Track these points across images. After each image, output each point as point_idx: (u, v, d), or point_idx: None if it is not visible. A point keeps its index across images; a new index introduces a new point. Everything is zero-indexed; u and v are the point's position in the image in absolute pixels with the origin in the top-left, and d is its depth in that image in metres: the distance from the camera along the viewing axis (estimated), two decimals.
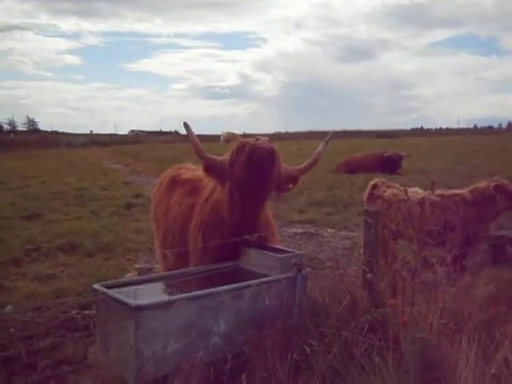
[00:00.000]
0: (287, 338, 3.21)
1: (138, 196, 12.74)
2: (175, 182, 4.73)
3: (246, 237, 3.66)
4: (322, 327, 3.22)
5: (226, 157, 3.70)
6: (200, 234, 3.97)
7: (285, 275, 3.49)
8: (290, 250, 3.86)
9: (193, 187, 4.44)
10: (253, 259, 3.76)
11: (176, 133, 66.90)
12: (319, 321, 3.29)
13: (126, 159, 28.00)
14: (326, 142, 4.08)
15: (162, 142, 49.53)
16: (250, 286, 3.36)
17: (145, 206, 11.24)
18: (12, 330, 4.82)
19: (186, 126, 3.83)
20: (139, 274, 6.33)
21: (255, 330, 3.27)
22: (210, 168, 3.74)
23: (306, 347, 3.07)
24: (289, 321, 3.34)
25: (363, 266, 3.57)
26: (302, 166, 3.90)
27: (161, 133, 72.89)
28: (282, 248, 3.87)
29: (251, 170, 3.45)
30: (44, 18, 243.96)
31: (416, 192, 5.68)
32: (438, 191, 5.84)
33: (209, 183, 4.17)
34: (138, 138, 60.31)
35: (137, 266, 6.78)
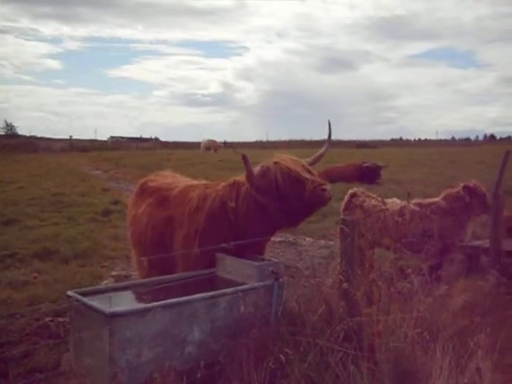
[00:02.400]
0: (263, 347, 3.20)
1: (116, 202, 12.60)
2: (144, 189, 4.73)
3: (224, 245, 3.65)
4: (298, 336, 3.22)
5: (265, 173, 3.78)
6: (196, 242, 3.95)
7: (262, 283, 3.49)
8: (267, 258, 3.86)
9: (161, 198, 4.43)
10: (229, 267, 3.75)
11: (156, 139, 66.71)
12: (295, 329, 3.29)
13: (106, 165, 27.76)
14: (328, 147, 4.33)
15: (142, 149, 49.24)
16: (225, 294, 3.35)
17: (123, 212, 11.08)
18: None
19: (245, 158, 3.76)
20: (116, 281, 6.26)
21: (231, 339, 3.26)
22: (257, 187, 3.78)
23: (281, 356, 3.06)
24: (265, 329, 3.33)
25: (340, 276, 3.57)
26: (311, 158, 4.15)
27: (141, 139, 72.42)
28: (258, 256, 3.86)
29: (309, 207, 3.77)
30: (24, 22, 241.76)
31: (394, 202, 5.73)
32: (415, 200, 5.90)
33: (189, 193, 4.18)
34: (118, 144, 59.85)
35: (113, 273, 6.70)
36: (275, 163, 3.76)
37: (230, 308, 3.32)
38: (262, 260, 3.72)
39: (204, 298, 3.24)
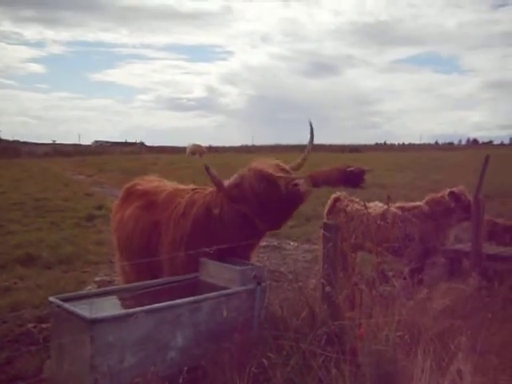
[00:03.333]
0: (246, 351, 3.21)
1: (100, 207, 12.52)
2: (130, 193, 4.69)
3: (205, 249, 3.65)
4: (281, 340, 3.23)
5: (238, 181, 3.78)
6: (183, 248, 3.94)
7: (244, 288, 3.50)
8: (249, 262, 3.87)
9: (148, 201, 4.41)
10: (212, 271, 3.75)
11: (141, 144, 66.45)
12: (278, 333, 3.30)
13: (89, 170, 27.57)
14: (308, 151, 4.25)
15: (127, 153, 48.99)
16: (208, 299, 3.35)
17: (107, 217, 11.02)
18: None
19: (208, 169, 3.80)
20: (99, 286, 6.21)
21: (213, 343, 3.26)
22: (231, 196, 3.81)
23: (264, 360, 3.07)
24: (248, 333, 3.34)
25: (322, 279, 3.60)
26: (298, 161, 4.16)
27: (126, 144, 72.09)
28: (241, 261, 3.87)
29: (286, 206, 3.71)
30: (6, 25, 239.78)
31: (376, 206, 5.77)
32: (398, 204, 5.95)
33: (175, 198, 4.18)
34: (102, 148, 59.51)
35: (97, 278, 6.66)
36: (249, 170, 3.78)
37: (212, 312, 3.33)
38: (245, 264, 3.73)
39: (187, 303, 3.24)
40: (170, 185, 4.72)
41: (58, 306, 3.12)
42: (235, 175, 3.83)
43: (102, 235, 9.25)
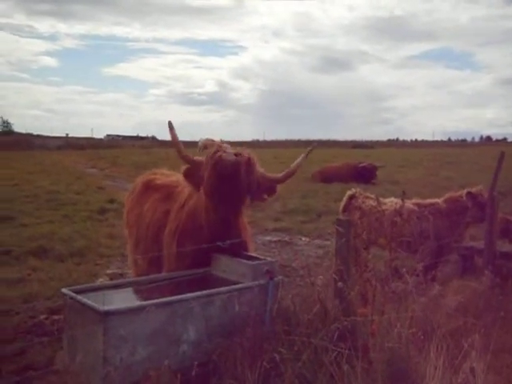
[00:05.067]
0: (257, 346, 3.20)
1: (112, 201, 12.59)
2: (149, 187, 4.69)
3: (218, 243, 3.65)
4: (293, 335, 3.22)
5: (202, 160, 3.71)
6: (175, 240, 3.94)
7: (256, 282, 3.49)
8: (261, 257, 3.86)
9: (167, 193, 4.41)
10: (224, 266, 3.74)
11: (153, 138, 66.61)
12: (290, 329, 3.29)
13: (102, 163, 27.72)
14: (307, 155, 4.07)
15: (139, 147, 49.15)
16: (220, 293, 3.35)
17: (119, 211, 11.09)
18: None
19: (170, 125, 3.84)
20: (111, 279, 6.25)
21: (225, 338, 3.25)
22: (190, 171, 3.76)
23: (275, 355, 3.07)
24: (259, 328, 3.33)
25: (334, 275, 3.58)
26: (280, 175, 3.91)
27: (138, 138, 72.36)
28: (253, 255, 3.87)
29: (215, 180, 3.51)
30: (20, 19, 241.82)
31: (392, 201, 5.74)
32: (414, 200, 5.91)
33: (184, 189, 4.15)
34: (115, 142, 59.77)
35: (109, 271, 6.70)
36: None
37: (224, 307, 3.32)
38: (257, 259, 3.72)
39: (199, 297, 3.23)
40: None
41: (71, 298, 3.13)
42: None
43: (114, 229, 9.31)
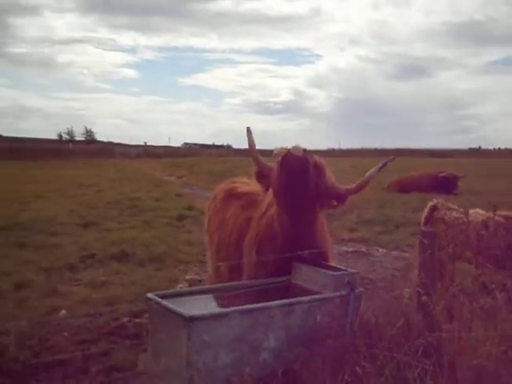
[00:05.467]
0: (338, 358, 3.16)
1: (190, 208, 12.87)
2: (231, 195, 4.75)
3: (299, 252, 3.64)
4: (375, 348, 3.15)
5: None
6: (255, 248, 3.97)
7: (337, 293, 3.45)
8: (342, 267, 3.81)
9: (249, 201, 4.45)
10: (305, 275, 3.72)
11: (228, 147, 67.69)
12: (371, 342, 3.22)
13: (179, 171, 28.45)
14: (380, 168, 3.99)
15: (215, 156, 50.12)
16: (301, 303, 3.33)
17: (196, 218, 11.36)
18: (65, 333, 4.91)
19: (248, 130, 3.91)
20: (190, 285, 6.38)
21: (305, 348, 3.23)
22: (261, 172, 3.83)
23: (357, 368, 3.01)
24: (340, 340, 3.28)
25: (418, 288, 3.48)
26: (353, 186, 3.85)
27: (213, 146, 73.83)
28: (334, 266, 3.82)
29: (283, 175, 3.52)
30: (103, 32, 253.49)
31: (477, 213, 5.50)
32: (501, 212, 5.63)
33: (266, 198, 4.19)
34: (191, 150, 61.25)
35: (187, 277, 6.83)
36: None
37: (305, 317, 3.30)
38: (338, 269, 3.68)
39: (280, 306, 3.23)
40: None
41: (156, 303, 3.21)
42: None
43: (192, 235, 9.51)
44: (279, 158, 3.56)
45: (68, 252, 8.13)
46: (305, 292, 3.58)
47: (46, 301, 5.79)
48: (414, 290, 3.58)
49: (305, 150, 3.52)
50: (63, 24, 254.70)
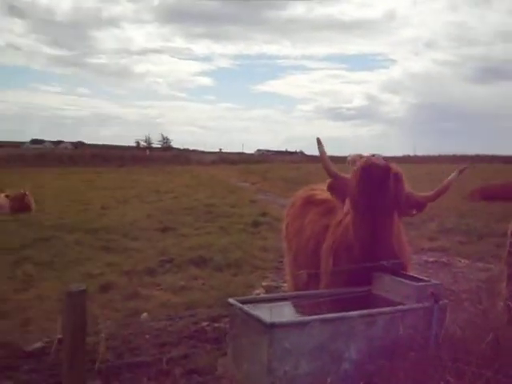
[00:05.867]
0: (422, 371, 3.06)
1: (264, 214, 12.94)
2: (309, 202, 4.75)
3: (383, 262, 3.57)
4: (461, 363, 3.03)
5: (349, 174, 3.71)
6: (331, 256, 3.95)
7: (421, 305, 3.35)
8: (426, 278, 3.70)
9: (328, 208, 4.43)
10: (386, 286, 3.64)
11: (301, 153, 67.65)
12: (457, 356, 3.11)
13: (253, 178, 28.68)
14: (460, 172, 3.88)
15: (287, 162, 50.21)
16: (383, 314, 3.27)
17: (271, 224, 11.42)
18: (147, 336, 5.06)
19: (319, 141, 3.90)
20: (266, 291, 6.41)
21: (387, 360, 3.16)
22: (335, 184, 3.80)
23: (442, 383, 2.91)
24: (424, 353, 3.18)
25: (508, 302, 3.33)
26: (431, 193, 3.78)
27: (286, 153, 74.04)
28: (417, 276, 3.72)
29: (364, 184, 3.47)
30: (179, 42, 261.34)
31: None
32: None
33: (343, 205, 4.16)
34: (264, 157, 61.69)
35: (264, 283, 6.87)
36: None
37: (387, 328, 3.23)
38: (422, 280, 3.58)
39: (362, 316, 3.18)
40: None
41: (239, 309, 3.25)
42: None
43: (267, 241, 9.56)
44: (359, 167, 3.52)
45: (148, 256, 8.40)
46: (385, 303, 3.51)
47: (129, 303, 5.99)
48: (504, 302, 3.43)
49: (385, 159, 3.49)
50: (140, 35, 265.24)
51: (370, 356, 3.19)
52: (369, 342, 3.20)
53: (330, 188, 3.85)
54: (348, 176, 3.72)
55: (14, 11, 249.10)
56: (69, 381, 2.32)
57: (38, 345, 4.74)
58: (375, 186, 3.45)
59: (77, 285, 2.58)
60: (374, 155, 3.63)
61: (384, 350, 3.21)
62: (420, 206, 3.71)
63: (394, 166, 3.54)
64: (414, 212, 3.72)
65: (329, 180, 3.85)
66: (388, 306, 3.41)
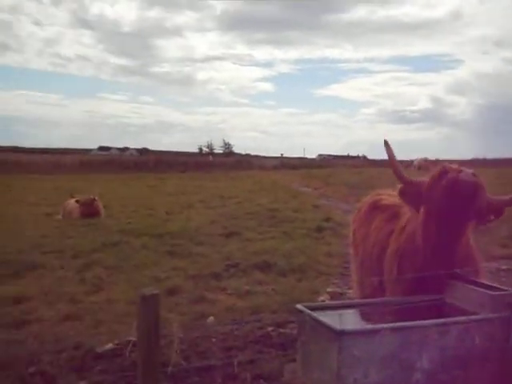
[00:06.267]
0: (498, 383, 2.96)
1: (328, 220, 12.85)
2: (375, 207, 4.68)
3: (456, 270, 3.47)
4: None
5: (423, 180, 3.59)
6: (395, 263, 3.86)
7: (497, 314, 3.22)
8: (502, 287, 3.56)
9: (393, 213, 4.35)
10: (459, 294, 3.53)
11: (364, 157, 66.78)
12: None
13: (315, 183, 28.55)
14: None
15: (350, 167, 49.66)
16: (457, 323, 3.16)
17: (335, 230, 11.34)
18: (213, 339, 5.12)
19: (386, 144, 3.80)
20: (331, 297, 6.36)
21: (462, 371, 3.06)
22: (407, 190, 3.65)
23: None
24: (501, 365, 3.06)
25: None
26: (507, 197, 3.62)
27: (348, 157, 73.28)
28: (492, 284, 3.58)
29: (450, 201, 3.33)
30: (241, 49, 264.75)
31: None
32: None
33: (408, 210, 4.06)
34: (326, 161, 61.31)
35: (329, 289, 6.81)
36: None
37: (462, 338, 3.12)
38: (497, 289, 3.44)
39: (434, 325, 3.09)
40: None
41: (308, 315, 3.23)
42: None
43: (332, 247, 9.49)
44: (446, 184, 3.36)
45: (213, 261, 8.50)
46: (457, 312, 3.39)
47: (195, 307, 6.09)
48: None
49: (474, 174, 3.36)
50: (203, 43, 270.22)
51: (442, 366, 3.10)
52: (442, 352, 3.10)
53: (402, 194, 3.70)
54: (420, 180, 3.61)
55: (83, 23, 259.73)
56: (144, 382, 2.38)
57: (109, 346, 4.89)
58: (462, 202, 3.33)
59: (150, 288, 2.64)
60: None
61: (458, 360, 3.11)
62: (498, 211, 3.57)
63: (480, 180, 3.41)
64: (492, 218, 3.59)
65: (400, 185, 3.75)
66: (461, 315, 3.30)
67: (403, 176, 3.70)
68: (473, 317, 3.23)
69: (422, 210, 3.59)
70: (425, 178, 3.60)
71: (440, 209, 3.40)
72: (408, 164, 35.80)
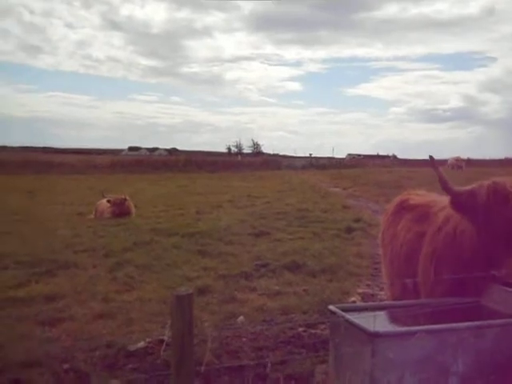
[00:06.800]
0: None
1: (357, 220, 12.73)
2: (403, 207, 4.65)
3: (493, 272, 3.40)
4: None
5: (470, 189, 3.56)
6: (432, 265, 3.81)
7: None
8: None
9: (421, 214, 4.32)
10: (497, 297, 3.46)
11: (394, 157, 66.08)
12: None
13: (344, 183, 28.38)
14: None
15: (379, 166, 49.22)
16: (493, 326, 3.11)
17: (365, 230, 11.23)
18: (244, 339, 5.13)
19: (432, 160, 3.75)
20: (362, 298, 6.31)
21: (498, 375, 3.01)
22: (457, 201, 3.61)
23: None
24: None
25: None
26: None
27: (378, 156, 72.60)
28: None
29: (502, 218, 3.33)
30: (269, 48, 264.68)
31: None
32: None
33: (440, 211, 4.01)
34: (355, 161, 60.87)
35: (359, 290, 6.76)
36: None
37: (498, 341, 3.07)
38: None
39: (470, 328, 3.04)
40: (444, 199, 4.55)
41: (341, 317, 3.21)
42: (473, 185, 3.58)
43: (362, 248, 9.41)
44: (499, 199, 3.37)
45: (242, 260, 8.50)
46: (494, 315, 3.33)
47: (225, 306, 6.09)
48: None
49: None
50: (231, 43, 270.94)
51: (478, 370, 3.05)
52: (477, 356, 3.05)
53: (453, 206, 3.67)
54: (468, 190, 3.58)
55: (113, 25, 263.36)
56: (178, 382, 2.39)
57: (141, 345, 4.93)
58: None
59: (184, 288, 2.66)
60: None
61: (494, 364, 3.06)
62: None
63: None
64: None
65: (449, 198, 3.69)
66: (497, 318, 3.24)
67: (452, 190, 3.67)
68: (509, 320, 3.17)
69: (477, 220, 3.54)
70: (470, 188, 3.58)
71: (493, 223, 3.39)
72: (441, 163, 35.41)
